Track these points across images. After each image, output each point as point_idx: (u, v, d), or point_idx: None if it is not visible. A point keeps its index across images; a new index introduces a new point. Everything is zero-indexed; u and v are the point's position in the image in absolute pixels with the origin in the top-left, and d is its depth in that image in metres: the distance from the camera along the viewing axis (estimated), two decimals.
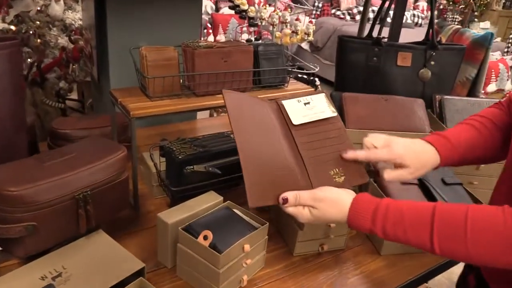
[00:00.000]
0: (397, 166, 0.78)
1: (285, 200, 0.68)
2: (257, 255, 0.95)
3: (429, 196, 1.12)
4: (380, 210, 0.66)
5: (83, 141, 0.96)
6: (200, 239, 0.85)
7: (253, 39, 3.33)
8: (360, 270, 1.02)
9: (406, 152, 0.77)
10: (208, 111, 2.22)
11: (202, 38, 3.94)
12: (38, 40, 2.06)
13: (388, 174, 0.78)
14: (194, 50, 1.11)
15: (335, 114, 0.80)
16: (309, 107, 0.80)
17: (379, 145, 0.78)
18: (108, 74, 1.52)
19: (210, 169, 0.96)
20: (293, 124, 0.76)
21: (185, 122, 1.77)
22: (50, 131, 1.25)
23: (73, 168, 0.82)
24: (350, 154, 0.77)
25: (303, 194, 0.68)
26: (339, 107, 1.31)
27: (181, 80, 1.16)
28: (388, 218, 0.65)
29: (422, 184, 1.15)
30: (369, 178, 0.75)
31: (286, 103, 0.79)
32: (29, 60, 2.00)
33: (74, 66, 1.86)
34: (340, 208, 0.68)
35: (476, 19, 6.15)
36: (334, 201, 0.68)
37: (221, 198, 1.01)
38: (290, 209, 0.69)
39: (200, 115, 1.94)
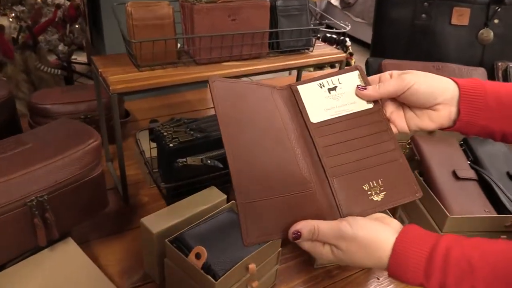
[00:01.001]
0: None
1: (298, 235, 0.46)
2: (267, 273, 0.75)
3: (491, 195, 0.88)
4: (437, 258, 0.43)
5: (48, 125, 0.76)
6: (192, 257, 0.65)
7: None
8: None
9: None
10: None
11: None
12: None
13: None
14: (193, 5, 0.87)
15: (371, 105, 0.55)
16: (336, 95, 0.55)
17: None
18: (102, 36, 1.31)
19: (209, 161, 0.75)
20: (312, 122, 0.53)
21: (195, 91, 1.55)
22: (28, 106, 1.05)
23: (24, 166, 0.63)
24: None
25: (324, 228, 0.46)
26: None
27: (178, 45, 0.93)
28: (450, 269, 0.43)
29: (482, 179, 0.90)
30: (421, 192, 0.52)
31: (303, 90, 0.55)
32: (30, 22, 1.81)
33: (71, 27, 1.65)
34: (376, 253, 0.45)
35: None
36: (368, 242, 0.45)
37: (225, 196, 0.80)
38: (305, 245, 0.48)
39: None
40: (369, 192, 0.50)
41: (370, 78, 0.58)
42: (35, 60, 1.56)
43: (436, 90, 0.54)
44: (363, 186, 0.50)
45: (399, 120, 0.57)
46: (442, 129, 0.57)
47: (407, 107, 0.57)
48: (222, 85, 0.53)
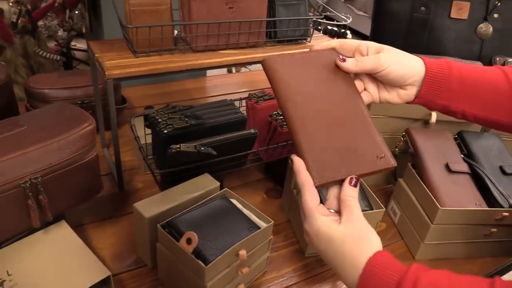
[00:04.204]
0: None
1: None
2: (257, 260, 0.76)
3: (483, 188, 0.88)
4: (407, 283, 0.43)
5: (44, 108, 0.76)
6: (183, 242, 0.66)
7: None
8: None
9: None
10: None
11: None
12: None
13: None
14: None
15: None
16: None
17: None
18: (101, 21, 1.30)
19: (202, 148, 0.75)
20: None
21: (193, 80, 1.54)
22: (26, 90, 1.06)
23: (19, 148, 0.63)
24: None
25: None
26: None
27: (175, 31, 0.93)
28: None
29: (475, 173, 0.90)
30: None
31: None
32: (29, 6, 1.79)
33: (71, 12, 1.64)
34: (364, 248, 0.47)
35: None
36: (360, 238, 0.47)
37: (218, 184, 0.81)
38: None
39: (214, 70, 1.68)
40: None
41: (347, 45, 0.59)
42: (34, 45, 1.55)
43: (407, 72, 0.57)
44: None
45: (373, 91, 0.59)
46: (407, 103, 0.61)
47: (380, 82, 0.59)
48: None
